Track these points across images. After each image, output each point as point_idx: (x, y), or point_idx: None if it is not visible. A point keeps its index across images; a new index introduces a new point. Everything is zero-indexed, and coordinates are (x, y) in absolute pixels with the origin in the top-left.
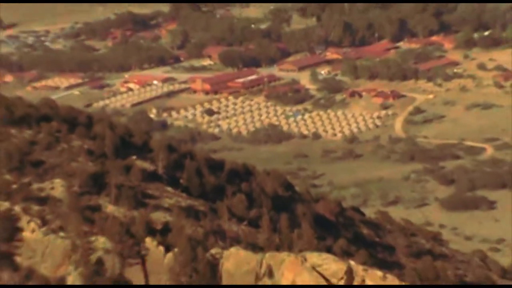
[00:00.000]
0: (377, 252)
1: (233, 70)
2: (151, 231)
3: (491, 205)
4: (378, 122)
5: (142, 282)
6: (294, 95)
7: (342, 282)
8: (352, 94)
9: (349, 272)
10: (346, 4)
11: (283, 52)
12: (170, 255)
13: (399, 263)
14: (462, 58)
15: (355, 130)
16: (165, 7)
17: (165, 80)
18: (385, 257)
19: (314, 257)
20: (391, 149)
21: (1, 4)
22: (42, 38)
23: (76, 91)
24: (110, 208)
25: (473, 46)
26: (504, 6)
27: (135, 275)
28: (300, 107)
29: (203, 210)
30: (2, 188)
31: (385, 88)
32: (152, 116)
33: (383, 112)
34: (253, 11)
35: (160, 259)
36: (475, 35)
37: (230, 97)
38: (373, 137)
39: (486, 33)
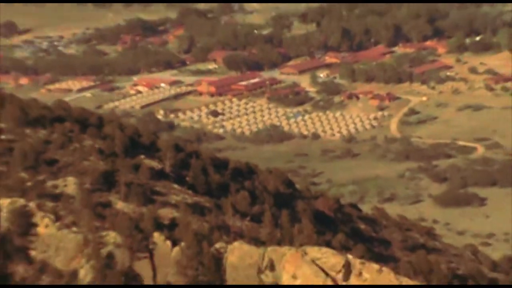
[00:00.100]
0: (374, 246)
1: (236, 74)
2: (159, 226)
3: (482, 201)
4: (374, 123)
5: (150, 274)
6: (294, 97)
7: (340, 275)
8: (350, 96)
9: (347, 265)
10: (344, 11)
11: (284, 56)
12: (177, 249)
13: (395, 256)
14: (455, 62)
15: (352, 130)
16: (172, 14)
17: (172, 83)
18: (381, 251)
19: (313, 251)
20: (387, 149)
21: (17, 10)
22: (56, 43)
23: (88, 94)
24: (120, 205)
25: (465, 51)
26: (494, 12)
27: (143, 268)
28: (300, 108)
29: (208, 207)
30: (18, 185)
31: (381, 91)
32: (159, 117)
33: (379, 114)
34: (256, 17)
35: (168, 253)
36: (467, 40)
37: (234, 99)
38: (369, 137)
39: (478, 38)
